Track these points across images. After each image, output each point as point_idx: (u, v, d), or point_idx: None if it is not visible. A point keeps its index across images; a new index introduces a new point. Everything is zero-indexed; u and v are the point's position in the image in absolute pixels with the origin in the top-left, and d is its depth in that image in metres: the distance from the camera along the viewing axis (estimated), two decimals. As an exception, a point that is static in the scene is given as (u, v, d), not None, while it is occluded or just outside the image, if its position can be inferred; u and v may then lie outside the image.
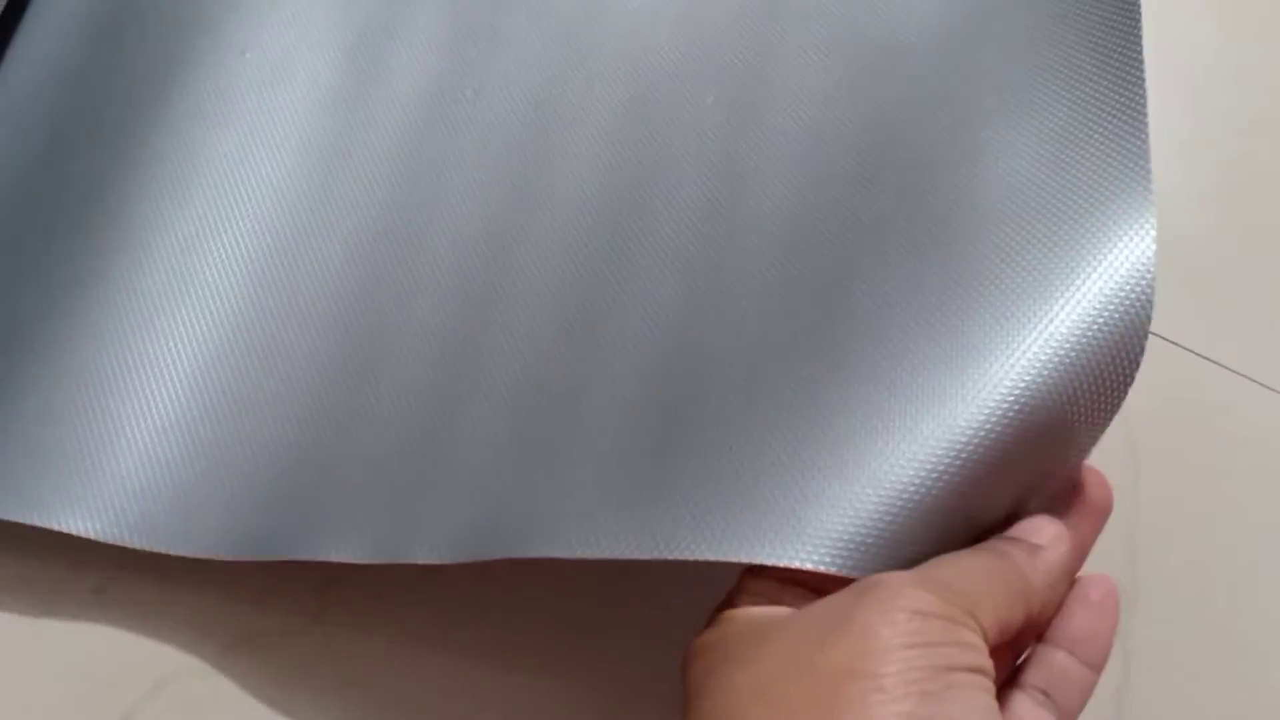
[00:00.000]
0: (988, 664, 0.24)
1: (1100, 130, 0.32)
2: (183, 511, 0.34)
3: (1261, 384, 0.38)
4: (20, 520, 0.34)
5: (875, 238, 0.32)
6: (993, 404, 0.27)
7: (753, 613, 0.26)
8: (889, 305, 0.30)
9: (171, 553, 0.33)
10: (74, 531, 0.33)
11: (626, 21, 0.40)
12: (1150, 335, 0.38)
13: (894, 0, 0.37)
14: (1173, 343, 0.39)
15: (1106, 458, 0.36)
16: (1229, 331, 0.39)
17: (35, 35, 0.41)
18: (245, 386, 0.35)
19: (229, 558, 0.33)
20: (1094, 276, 0.29)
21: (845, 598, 0.24)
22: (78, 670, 0.34)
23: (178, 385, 0.35)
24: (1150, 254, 0.30)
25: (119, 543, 0.33)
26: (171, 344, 0.36)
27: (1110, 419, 0.29)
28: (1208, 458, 0.37)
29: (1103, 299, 0.29)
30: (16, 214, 0.39)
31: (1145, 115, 0.32)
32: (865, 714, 0.21)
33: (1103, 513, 0.28)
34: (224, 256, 0.37)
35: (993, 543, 0.27)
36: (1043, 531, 0.27)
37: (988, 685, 0.23)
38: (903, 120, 0.34)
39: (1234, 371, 0.38)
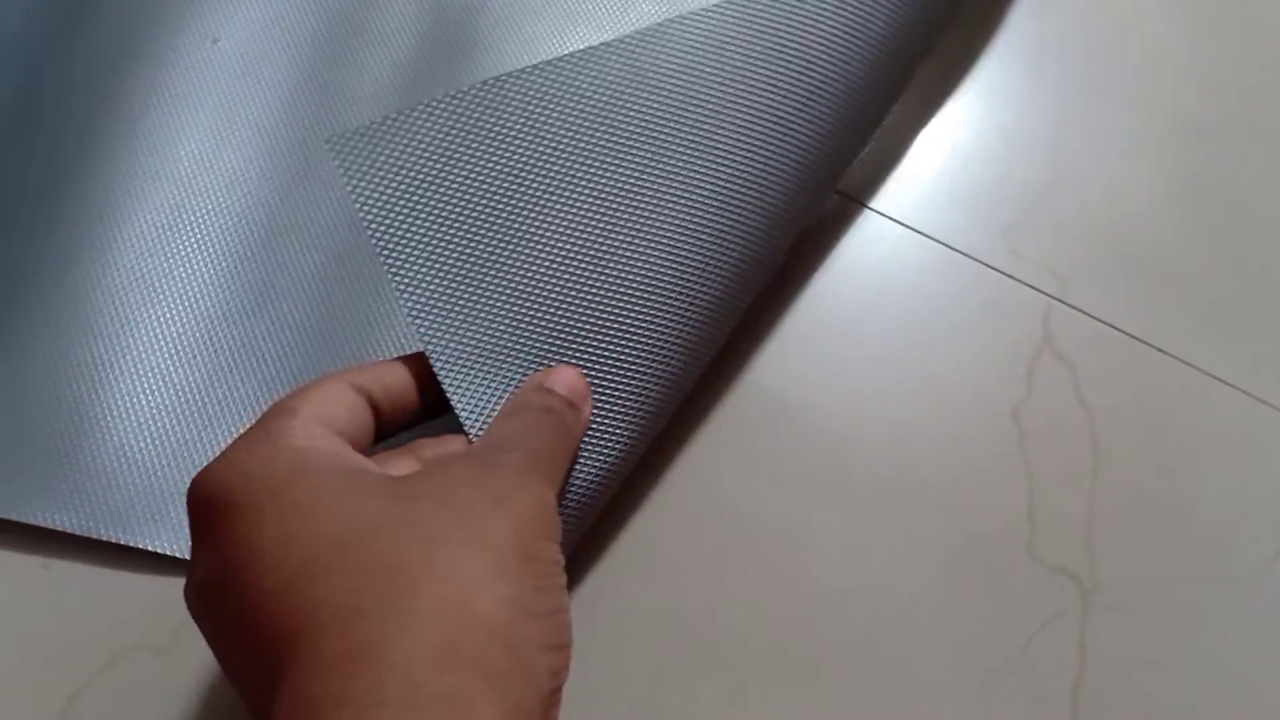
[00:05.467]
0: None
1: None
2: (156, 507, 0.34)
3: (1222, 380, 0.38)
4: None
5: None
6: None
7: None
8: None
9: (143, 547, 0.33)
10: (50, 525, 0.33)
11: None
12: (1114, 330, 0.38)
13: None
14: (1136, 339, 0.39)
15: (1067, 449, 0.37)
16: (1191, 328, 0.39)
17: None
18: (218, 385, 0.35)
19: None
20: None
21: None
22: (28, 645, 0.33)
23: (149, 380, 0.35)
24: None
25: (92, 535, 0.33)
26: (143, 338, 0.36)
27: None
28: (1167, 452, 0.37)
29: None
30: None
31: None
32: None
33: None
34: (196, 251, 0.37)
35: (541, 399, 0.29)
36: (576, 389, 0.30)
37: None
38: None
39: (1195, 367, 0.38)
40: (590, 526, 0.32)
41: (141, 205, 0.37)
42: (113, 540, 0.33)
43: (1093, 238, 0.40)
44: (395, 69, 0.39)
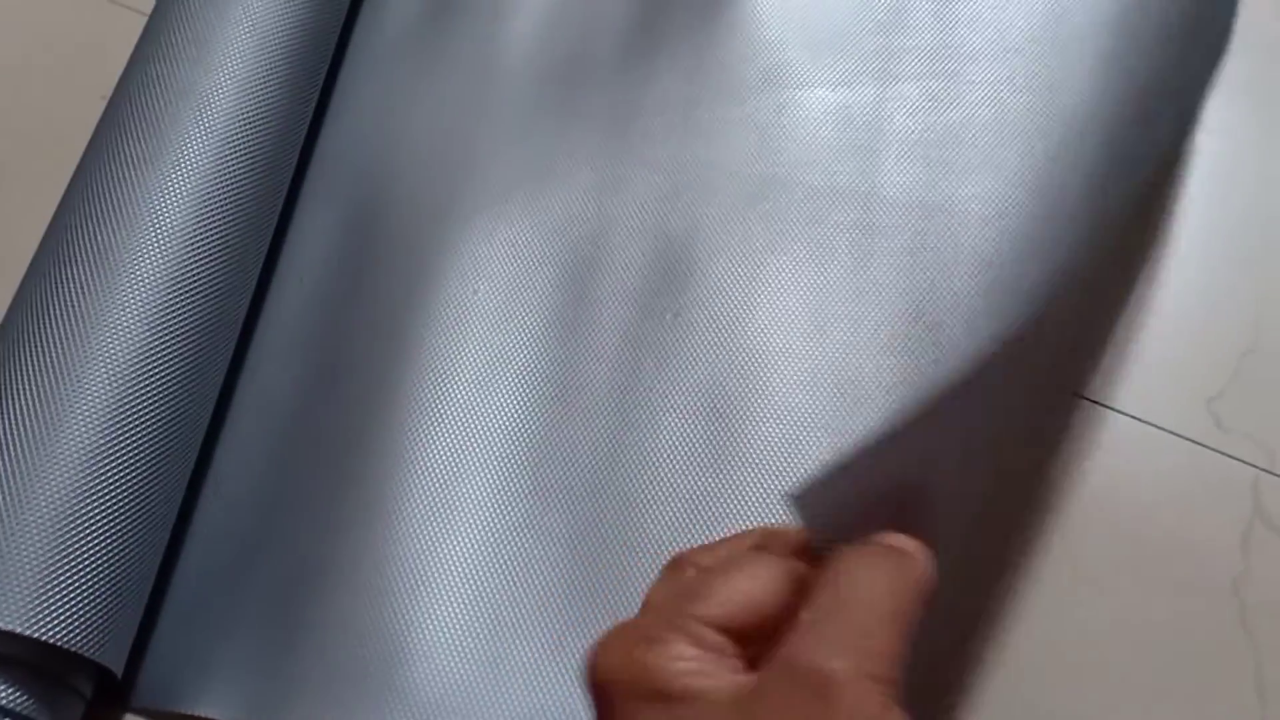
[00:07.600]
0: None
1: None
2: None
3: None
4: None
5: None
6: None
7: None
8: None
9: None
10: None
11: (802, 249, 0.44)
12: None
13: None
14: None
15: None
16: None
17: (289, 277, 0.48)
18: (508, 611, 0.40)
19: None
20: None
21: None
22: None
23: (450, 605, 0.40)
24: None
25: None
26: (438, 566, 0.41)
27: None
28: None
29: None
30: (287, 438, 0.45)
31: None
32: None
33: None
34: (475, 479, 0.42)
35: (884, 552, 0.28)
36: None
37: None
38: None
39: None
40: None
41: (428, 446, 0.43)
42: None
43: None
44: (624, 298, 0.44)
